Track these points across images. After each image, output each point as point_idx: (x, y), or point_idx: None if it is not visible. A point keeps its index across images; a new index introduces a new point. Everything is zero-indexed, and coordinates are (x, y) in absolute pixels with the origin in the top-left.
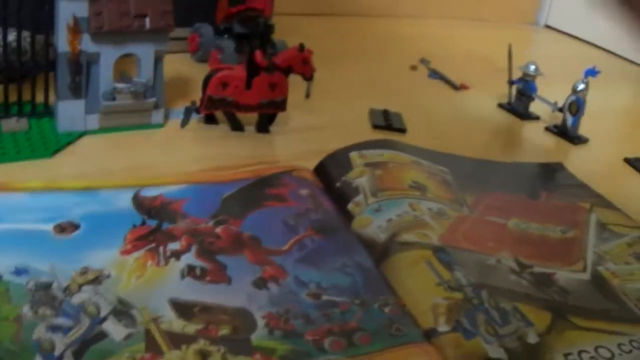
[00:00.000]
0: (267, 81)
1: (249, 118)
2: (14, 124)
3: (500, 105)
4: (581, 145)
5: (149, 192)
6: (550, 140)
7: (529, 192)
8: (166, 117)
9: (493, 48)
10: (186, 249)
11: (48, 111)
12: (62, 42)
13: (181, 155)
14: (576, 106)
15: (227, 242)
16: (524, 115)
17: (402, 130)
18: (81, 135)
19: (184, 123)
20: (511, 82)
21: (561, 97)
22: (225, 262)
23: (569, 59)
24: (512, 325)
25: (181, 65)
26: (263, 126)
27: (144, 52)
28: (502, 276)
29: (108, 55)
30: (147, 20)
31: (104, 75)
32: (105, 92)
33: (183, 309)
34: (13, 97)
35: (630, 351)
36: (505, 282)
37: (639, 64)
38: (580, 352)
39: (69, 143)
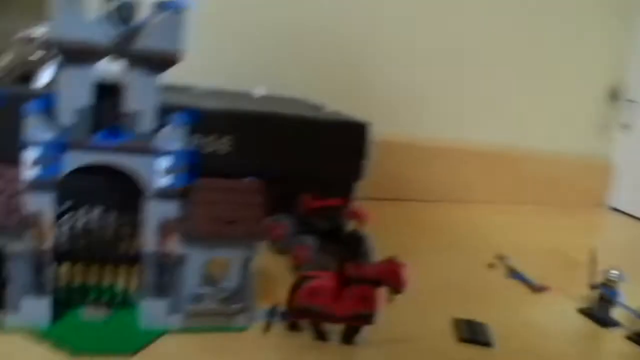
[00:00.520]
0: (358, 293)
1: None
2: (94, 316)
3: (581, 311)
4: None
5: None
6: (632, 352)
7: None
8: (250, 317)
9: (567, 237)
10: None
11: (128, 301)
12: (150, 241)
13: None
14: None
15: None
16: (606, 322)
17: (489, 344)
18: (162, 333)
19: (267, 328)
20: (593, 287)
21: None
22: None
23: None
24: None
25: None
26: (348, 338)
27: (234, 257)
28: None
29: (196, 259)
30: (239, 226)
31: (191, 278)
32: (190, 295)
33: None
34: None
35: None
36: None
37: None
38: None
39: (150, 342)
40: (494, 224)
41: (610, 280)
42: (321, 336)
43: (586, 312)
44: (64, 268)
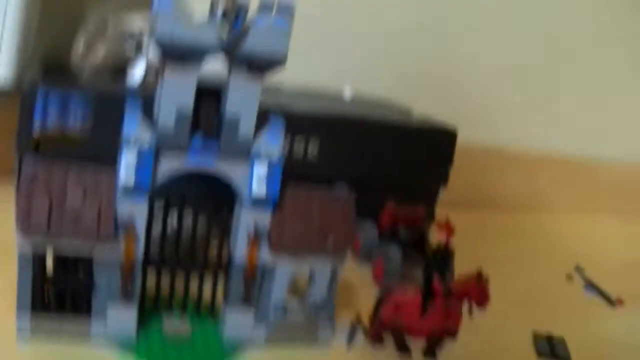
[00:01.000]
0: (442, 309)
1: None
2: (177, 326)
3: None
4: None
5: None
6: None
7: None
8: (334, 330)
9: None
10: None
11: (212, 313)
12: (240, 252)
13: None
14: None
15: None
16: None
17: None
18: (245, 346)
19: (350, 342)
20: None
21: None
22: None
23: None
24: None
25: None
26: (431, 351)
27: (322, 268)
28: None
29: (284, 270)
30: (331, 239)
31: (278, 289)
32: (276, 306)
33: None
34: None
35: None
36: None
37: None
38: None
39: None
40: (572, 233)
41: None
42: (405, 350)
43: None
44: (150, 275)
